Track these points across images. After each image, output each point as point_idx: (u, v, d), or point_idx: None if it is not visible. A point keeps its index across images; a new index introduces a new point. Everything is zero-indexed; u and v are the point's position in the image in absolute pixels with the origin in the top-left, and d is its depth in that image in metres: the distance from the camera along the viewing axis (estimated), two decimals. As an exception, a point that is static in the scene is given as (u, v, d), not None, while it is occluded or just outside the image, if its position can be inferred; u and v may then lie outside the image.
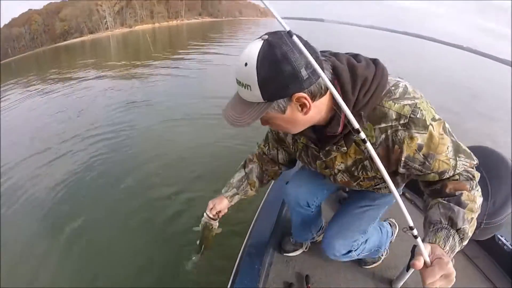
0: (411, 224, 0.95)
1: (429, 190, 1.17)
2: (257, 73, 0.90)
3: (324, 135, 1.13)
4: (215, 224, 1.63)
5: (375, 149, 1.07)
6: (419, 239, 0.96)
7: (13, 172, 5.01)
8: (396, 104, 1.02)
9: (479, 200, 1.08)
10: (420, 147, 1.03)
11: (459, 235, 1.01)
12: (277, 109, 0.97)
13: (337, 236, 1.58)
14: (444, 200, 1.08)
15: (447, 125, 1.05)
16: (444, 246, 0.98)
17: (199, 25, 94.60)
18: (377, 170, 0.94)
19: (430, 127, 1.01)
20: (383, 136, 1.05)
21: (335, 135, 1.11)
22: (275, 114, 1.00)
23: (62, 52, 55.01)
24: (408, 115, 1.01)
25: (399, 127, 1.02)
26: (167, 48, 24.68)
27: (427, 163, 1.06)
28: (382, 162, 0.89)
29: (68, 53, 45.42)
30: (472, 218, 1.03)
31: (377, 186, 1.37)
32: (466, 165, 1.10)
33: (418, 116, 1.00)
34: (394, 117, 1.02)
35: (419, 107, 1.01)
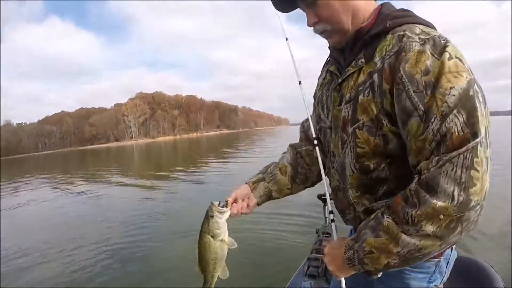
0: None
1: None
2: None
3: (356, 38, 1.02)
4: (219, 215, 1.15)
5: (379, 68, 0.92)
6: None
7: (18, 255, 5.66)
8: (426, 28, 0.90)
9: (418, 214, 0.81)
10: (426, 70, 0.82)
11: (357, 254, 0.94)
12: None
13: None
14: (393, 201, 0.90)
15: (476, 84, 0.82)
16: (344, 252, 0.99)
17: (217, 137, 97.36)
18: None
19: (446, 55, 0.82)
20: (395, 48, 0.89)
21: (363, 39, 0.99)
22: None
23: (88, 155, 59.91)
24: (432, 35, 0.86)
25: (416, 39, 0.87)
26: (188, 159, 25.96)
27: (422, 93, 0.82)
28: (376, 90, 0.91)
29: (94, 157, 49.43)
30: (380, 247, 0.88)
31: (378, 164, 1.00)
32: (457, 129, 0.79)
33: (442, 41, 0.85)
34: (417, 31, 0.89)
35: (449, 43, 0.84)
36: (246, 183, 1.36)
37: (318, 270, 2.50)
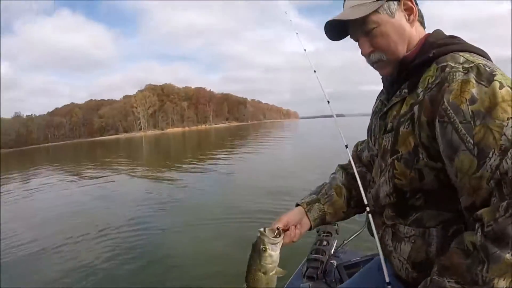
0: None
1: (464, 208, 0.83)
2: None
3: (403, 68, 0.99)
4: (273, 247, 1.00)
5: (420, 100, 0.89)
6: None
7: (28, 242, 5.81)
8: (471, 56, 0.86)
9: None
10: (473, 99, 0.76)
11: None
12: (387, 10, 0.95)
13: None
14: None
15: None
16: None
17: (227, 129, 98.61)
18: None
19: (497, 84, 0.76)
20: (437, 79, 0.86)
21: (410, 68, 0.96)
22: (385, 17, 0.95)
23: (98, 146, 59.92)
24: (476, 63, 0.82)
25: (460, 68, 0.82)
26: (197, 151, 26.08)
27: (471, 123, 0.76)
28: (415, 124, 0.89)
29: (104, 148, 49.51)
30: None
31: (412, 194, 0.97)
32: None
33: (487, 69, 0.79)
34: (460, 60, 0.84)
35: (497, 70, 0.79)
36: (298, 205, 1.25)
37: (317, 272, 2.41)
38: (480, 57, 0.86)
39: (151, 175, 13.48)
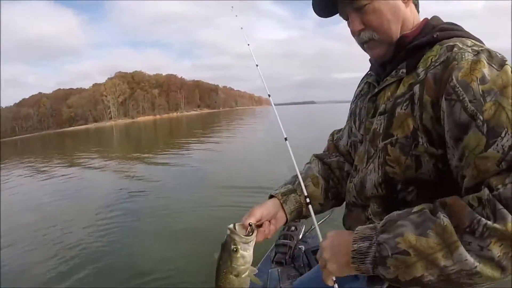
0: None
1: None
2: None
3: (401, 46, 0.91)
4: (245, 247, 0.89)
5: (422, 79, 0.81)
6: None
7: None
8: (479, 43, 0.82)
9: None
10: (483, 79, 0.71)
11: (376, 251, 0.74)
12: None
13: None
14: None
15: None
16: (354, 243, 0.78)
17: (198, 116, 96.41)
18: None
19: (508, 67, 0.72)
20: (442, 57, 0.79)
21: (407, 48, 0.89)
22: None
23: (67, 137, 57.98)
24: (486, 48, 0.77)
25: (469, 50, 0.76)
26: (169, 138, 25.89)
27: (481, 100, 0.70)
28: (418, 102, 0.81)
29: (73, 139, 48.41)
30: (409, 253, 0.68)
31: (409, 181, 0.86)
32: None
33: (498, 55, 0.75)
34: (469, 44, 0.79)
35: (505, 58, 0.75)
36: (272, 196, 1.13)
37: (285, 257, 2.44)
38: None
39: (121, 168, 13.08)
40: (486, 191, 0.65)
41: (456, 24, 0.91)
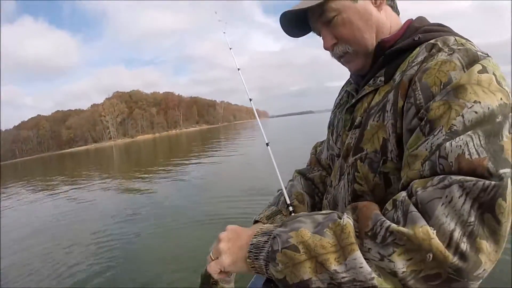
0: None
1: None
2: None
3: (381, 50, 0.82)
4: (226, 279, 0.83)
5: (397, 83, 0.73)
6: None
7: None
8: (463, 40, 0.72)
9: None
10: (448, 82, 0.63)
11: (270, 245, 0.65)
12: None
13: None
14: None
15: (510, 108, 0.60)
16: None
17: (197, 132, 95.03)
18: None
19: (478, 66, 0.63)
20: (419, 57, 0.72)
21: (387, 53, 0.80)
22: (346, 3, 0.80)
23: (67, 159, 58.11)
24: (467, 46, 0.68)
25: (446, 49, 0.68)
26: (168, 157, 25.32)
27: (432, 100, 0.63)
28: (389, 105, 0.73)
29: (73, 160, 48.15)
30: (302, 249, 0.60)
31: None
32: (468, 150, 0.56)
33: (479, 53, 0.66)
34: (450, 42, 0.70)
35: (488, 58, 0.65)
36: (256, 221, 1.05)
37: None
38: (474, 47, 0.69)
39: (122, 186, 13.07)
40: (402, 193, 0.60)
41: (443, 25, 0.82)
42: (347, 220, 0.60)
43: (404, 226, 0.54)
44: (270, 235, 0.67)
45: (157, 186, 11.50)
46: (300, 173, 1.21)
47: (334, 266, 0.57)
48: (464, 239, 0.51)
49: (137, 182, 13.29)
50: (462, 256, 0.51)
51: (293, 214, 0.79)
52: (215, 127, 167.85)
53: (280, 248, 0.62)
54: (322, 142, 1.25)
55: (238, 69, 1.40)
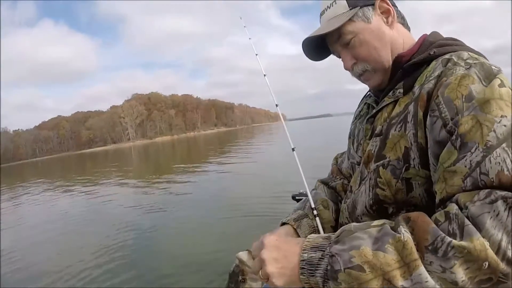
0: None
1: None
2: None
3: (399, 65, 0.90)
4: (254, 277, 0.87)
5: (416, 96, 0.80)
6: None
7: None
8: (476, 55, 0.80)
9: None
10: (469, 96, 0.68)
11: (327, 263, 0.66)
12: (363, 17, 0.90)
13: None
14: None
15: None
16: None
17: (215, 135, 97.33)
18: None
19: (497, 81, 0.69)
20: (436, 72, 0.78)
21: (405, 68, 0.87)
22: (361, 25, 0.89)
23: (86, 159, 59.37)
24: (481, 60, 0.75)
25: (462, 64, 0.75)
26: (186, 158, 26.12)
27: (459, 115, 0.68)
28: (406, 119, 0.81)
29: (92, 160, 49.18)
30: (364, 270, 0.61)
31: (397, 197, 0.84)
32: (506, 166, 0.61)
33: (493, 67, 0.73)
34: (464, 57, 0.77)
35: (501, 72, 0.73)
36: (283, 223, 1.09)
37: None
38: (485, 59, 0.80)
39: (141, 186, 13.36)
40: (454, 206, 0.62)
41: (455, 39, 0.90)
42: (407, 235, 0.62)
43: (461, 238, 0.58)
44: (323, 251, 0.68)
45: (176, 188, 11.44)
46: (323, 182, 1.28)
47: (401, 282, 0.59)
48: (510, 247, 0.57)
49: (155, 185, 13.14)
50: (509, 261, 0.57)
51: (343, 227, 0.73)
52: (233, 129, 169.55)
53: (342, 268, 0.63)
54: (342, 153, 1.32)
55: (265, 75, 1.38)
